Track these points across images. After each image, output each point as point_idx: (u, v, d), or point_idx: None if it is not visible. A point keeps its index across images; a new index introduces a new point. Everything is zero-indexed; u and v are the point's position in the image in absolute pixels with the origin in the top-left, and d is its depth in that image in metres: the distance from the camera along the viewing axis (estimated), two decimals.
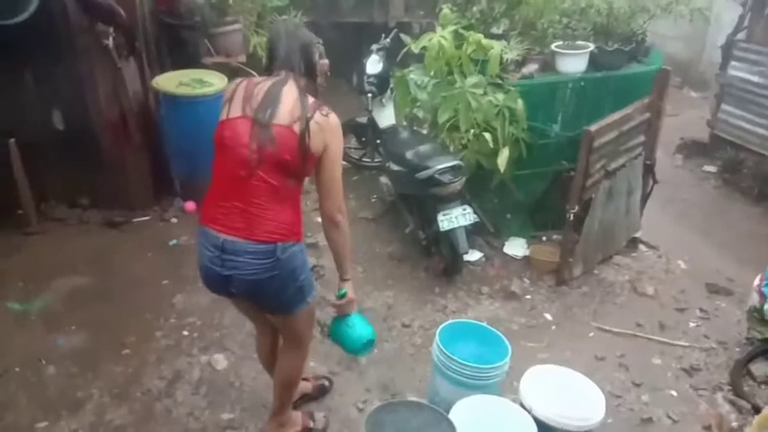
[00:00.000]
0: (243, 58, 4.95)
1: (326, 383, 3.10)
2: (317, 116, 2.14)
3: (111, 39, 3.99)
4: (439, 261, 4.04)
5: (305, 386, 3.01)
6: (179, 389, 3.07)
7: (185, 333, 3.44)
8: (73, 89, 4.12)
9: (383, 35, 5.14)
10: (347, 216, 2.28)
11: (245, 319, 3.52)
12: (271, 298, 2.31)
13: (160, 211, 4.54)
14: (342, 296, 2.43)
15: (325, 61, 2.37)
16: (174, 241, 4.24)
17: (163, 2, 4.79)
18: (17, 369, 3.13)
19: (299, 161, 2.13)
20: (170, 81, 4.38)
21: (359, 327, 2.46)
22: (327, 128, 2.16)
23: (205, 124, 4.25)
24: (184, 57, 4.80)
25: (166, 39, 4.87)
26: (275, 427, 2.72)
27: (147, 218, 4.47)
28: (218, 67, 4.71)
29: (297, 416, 2.81)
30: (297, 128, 2.11)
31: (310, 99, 2.18)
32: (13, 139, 4.09)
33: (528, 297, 3.91)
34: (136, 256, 4.08)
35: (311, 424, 2.85)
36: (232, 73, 4.79)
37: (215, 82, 4.42)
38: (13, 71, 4.07)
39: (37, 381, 3.08)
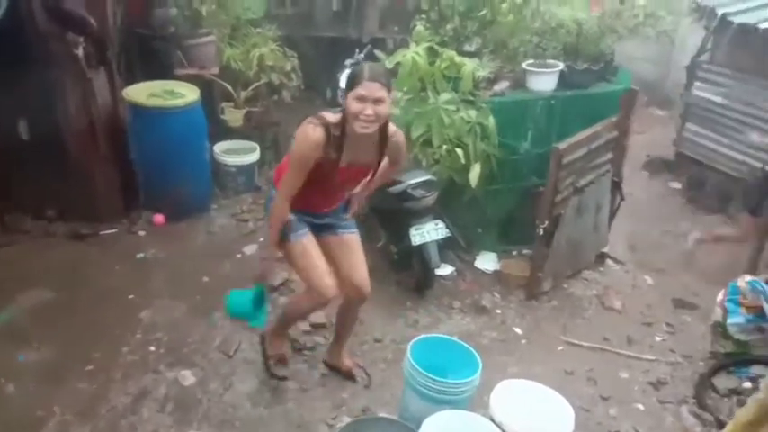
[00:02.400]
0: (216, 70, 4.93)
1: (358, 375, 3.21)
2: None
3: (81, 48, 3.95)
4: (411, 275, 4.05)
5: (343, 363, 3.22)
6: (145, 406, 3.00)
7: (152, 348, 3.37)
8: (41, 98, 4.03)
9: (357, 50, 5.19)
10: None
11: (214, 334, 3.51)
12: None
13: (128, 223, 4.46)
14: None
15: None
16: (142, 254, 4.18)
17: (135, 12, 4.76)
18: None
19: None
20: (141, 92, 4.34)
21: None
22: None
23: (176, 136, 4.31)
24: (156, 68, 4.77)
25: (138, 49, 4.84)
26: (268, 334, 3.13)
27: (114, 230, 4.39)
28: (191, 79, 4.68)
29: (283, 342, 3.18)
30: None
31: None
32: None
33: (498, 311, 3.94)
34: (103, 269, 4.00)
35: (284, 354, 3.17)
36: (205, 85, 4.77)
37: (187, 94, 4.39)
38: None
39: None
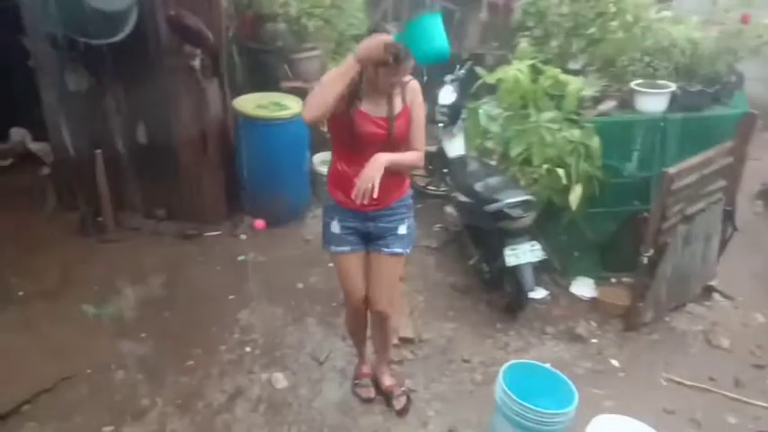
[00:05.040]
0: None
1: (395, 399, 3.13)
2: None
3: (197, 60, 4.19)
4: (502, 296, 3.96)
5: (383, 380, 3.21)
6: (239, 405, 3.12)
7: (248, 349, 3.50)
8: (158, 106, 4.33)
9: (457, 66, 5.17)
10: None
11: (307, 339, 3.59)
12: None
13: (231, 227, 4.67)
14: None
15: None
16: (242, 257, 4.35)
17: (247, 27, 5.00)
18: (88, 371, 3.27)
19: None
20: (249, 103, 4.54)
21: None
22: None
23: (280, 146, 4.47)
24: (264, 80, 4.97)
25: (248, 62, 5.06)
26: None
27: (218, 232, 4.62)
28: (295, 91, 4.84)
29: (363, 363, 3.29)
30: None
31: None
32: (99, 150, 4.33)
33: (594, 341, 3.77)
34: (205, 269, 4.20)
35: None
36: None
37: (292, 105, 4.54)
38: (105, 86, 4.33)
39: (106, 385, 3.19)
